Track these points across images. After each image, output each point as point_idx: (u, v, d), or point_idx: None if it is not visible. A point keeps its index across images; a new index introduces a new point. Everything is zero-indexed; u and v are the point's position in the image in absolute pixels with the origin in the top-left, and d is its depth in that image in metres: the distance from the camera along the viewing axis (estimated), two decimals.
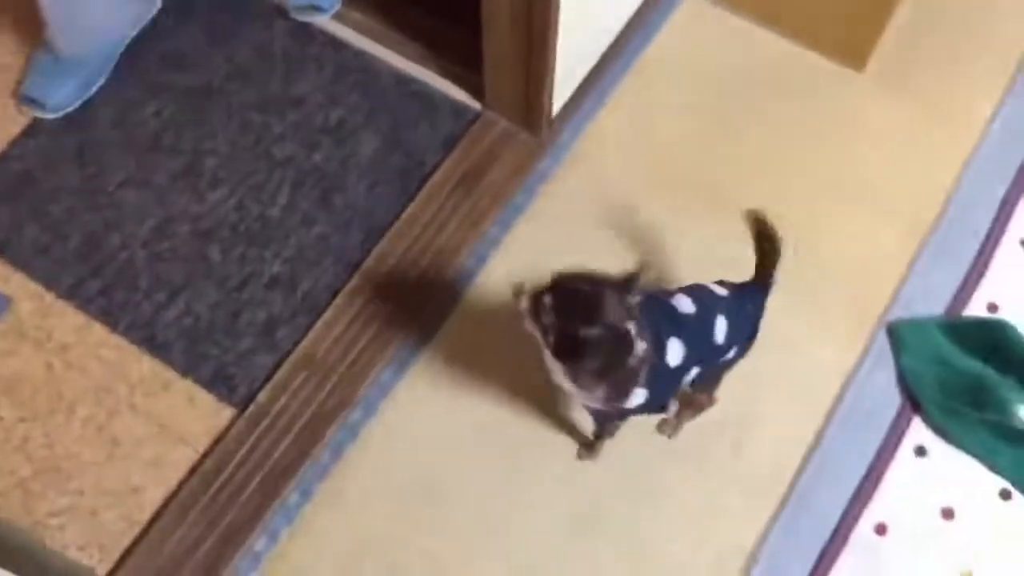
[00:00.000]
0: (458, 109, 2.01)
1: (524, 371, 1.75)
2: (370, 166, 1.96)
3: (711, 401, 1.66)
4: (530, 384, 1.74)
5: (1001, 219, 1.92)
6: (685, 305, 1.46)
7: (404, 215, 1.90)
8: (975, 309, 1.85)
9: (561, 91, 1.93)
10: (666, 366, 1.41)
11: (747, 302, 1.51)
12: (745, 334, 1.52)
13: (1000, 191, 1.95)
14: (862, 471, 1.72)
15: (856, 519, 1.69)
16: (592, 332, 1.31)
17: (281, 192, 1.93)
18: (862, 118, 2.01)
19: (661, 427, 1.71)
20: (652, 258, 1.85)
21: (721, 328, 1.46)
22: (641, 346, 1.34)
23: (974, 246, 1.90)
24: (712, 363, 1.51)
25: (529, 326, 1.37)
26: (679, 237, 1.89)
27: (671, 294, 1.48)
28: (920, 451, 1.74)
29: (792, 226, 1.88)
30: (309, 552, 1.63)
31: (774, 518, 1.67)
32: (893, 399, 1.78)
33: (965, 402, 1.74)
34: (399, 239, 1.88)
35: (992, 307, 1.85)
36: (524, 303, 1.36)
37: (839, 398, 1.76)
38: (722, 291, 1.50)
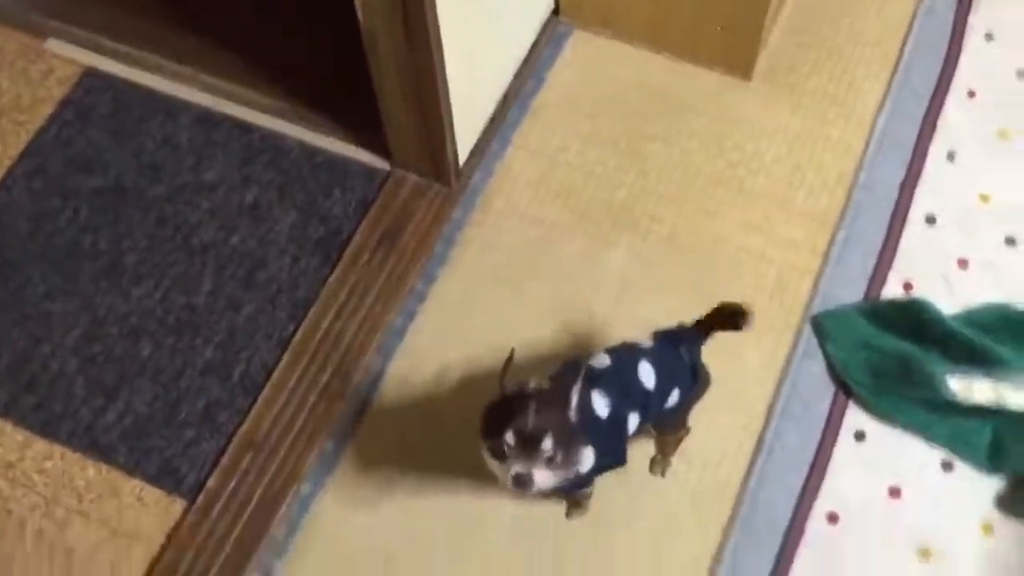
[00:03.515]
0: (368, 172, 2.05)
1: (461, 423, 1.78)
2: (289, 240, 1.98)
3: (686, 431, 1.69)
4: (468, 434, 1.77)
5: (903, 201, 1.99)
6: (601, 361, 1.51)
7: (328, 283, 1.93)
8: (891, 291, 1.91)
9: (465, 139, 1.98)
10: (598, 418, 1.44)
11: (682, 346, 1.54)
12: (686, 378, 1.55)
13: (898, 175, 2.02)
14: (807, 464, 1.76)
15: (808, 512, 1.72)
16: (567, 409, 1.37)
17: (204, 279, 1.95)
18: (756, 124, 2.07)
19: (652, 467, 1.74)
20: (574, 284, 1.90)
21: (647, 373, 1.49)
22: (574, 400, 1.38)
23: (882, 231, 1.96)
24: (654, 409, 1.54)
25: (513, 470, 1.36)
26: (598, 261, 1.93)
27: (591, 355, 1.52)
28: (859, 436, 1.78)
29: (705, 234, 1.96)
30: None
31: (729, 524, 1.70)
32: (827, 389, 1.83)
33: (894, 381, 1.79)
34: (327, 308, 1.90)
35: (907, 286, 1.91)
36: (496, 458, 1.37)
37: (774, 396, 1.81)
38: (646, 343, 1.54)
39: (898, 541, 1.70)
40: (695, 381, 1.57)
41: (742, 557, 1.68)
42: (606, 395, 1.46)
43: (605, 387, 1.46)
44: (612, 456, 1.50)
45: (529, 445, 1.34)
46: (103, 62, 2.17)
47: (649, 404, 1.51)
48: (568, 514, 1.71)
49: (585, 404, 1.42)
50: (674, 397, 1.54)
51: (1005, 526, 1.70)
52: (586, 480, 1.52)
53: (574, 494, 1.65)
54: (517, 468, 1.34)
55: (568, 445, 1.37)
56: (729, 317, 1.53)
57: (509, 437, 1.34)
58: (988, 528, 1.71)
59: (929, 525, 1.71)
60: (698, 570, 1.67)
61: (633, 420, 1.50)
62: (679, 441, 1.71)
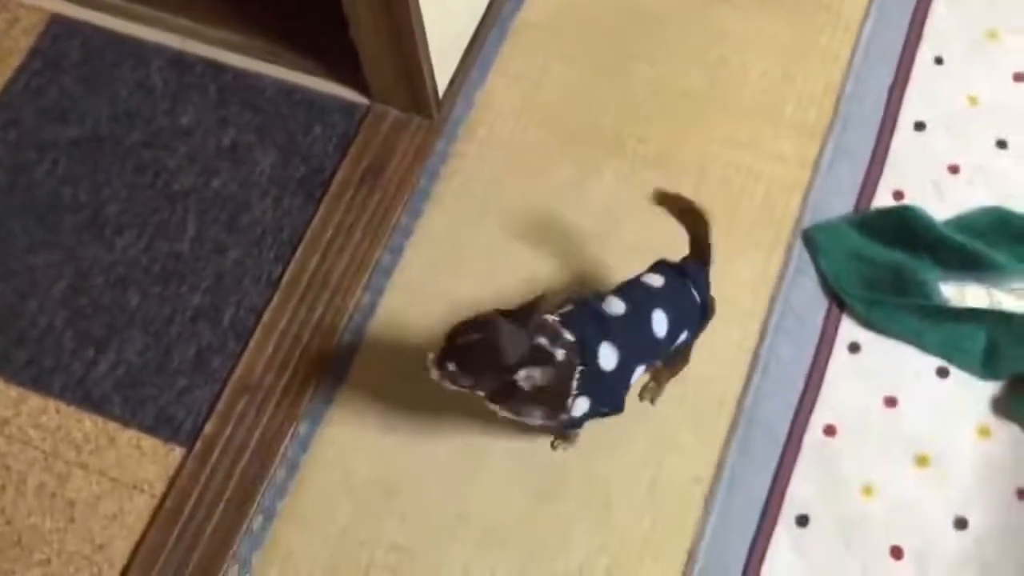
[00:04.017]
0: (347, 108, 2.00)
1: None
2: (271, 181, 1.95)
3: (685, 362, 1.67)
4: None
5: (891, 109, 1.95)
6: (615, 307, 1.46)
7: (313, 223, 1.90)
8: (882, 200, 1.89)
9: (443, 69, 1.94)
10: (601, 371, 1.41)
11: (690, 283, 1.50)
12: (696, 317, 1.53)
13: (886, 82, 1.98)
14: (802, 378, 1.76)
15: (805, 425, 1.73)
16: (510, 374, 1.33)
17: (187, 224, 1.92)
18: (741, 37, 2.02)
19: (642, 394, 1.73)
20: (563, 212, 1.88)
21: (660, 322, 1.46)
22: (560, 353, 1.36)
23: (871, 140, 1.93)
24: (662, 355, 1.52)
25: (452, 388, 1.40)
26: (586, 186, 1.91)
27: (602, 297, 1.48)
28: (854, 347, 1.78)
29: (692, 153, 1.93)
30: (283, 572, 1.65)
31: (727, 441, 1.71)
32: (820, 303, 1.82)
33: (887, 291, 1.79)
34: (312, 248, 1.88)
35: (898, 195, 1.89)
36: (435, 374, 1.38)
37: (768, 312, 1.80)
38: (657, 281, 1.49)
39: (895, 450, 1.71)
40: (703, 318, 1.54)
41: (740, 473, 1.69)
42: (616, 348, 1.42)
43: (616, 339, 1.42)
44: (610, 405, 1.49)
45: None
46: (68, 8, 2.12)
47: (658, 352, 1.50)
48: (553, 445, 1.70)
49: (591, 356, 1.40)
50: (682, 338, 1.52)
51: (1001, 429, 1.71)
52: (578, 423, 1.51)
53: (565, 432, 1.65)
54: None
55: (551, 392, 1.39)
56: (693, 216, 1.50)
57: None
58: (984, 432, 1.71)
59: (926, 432, 1.72)
60: (697, 488, 1.68)
61: (639, 371, 1.48)
62: (675, 373, 1.70)
